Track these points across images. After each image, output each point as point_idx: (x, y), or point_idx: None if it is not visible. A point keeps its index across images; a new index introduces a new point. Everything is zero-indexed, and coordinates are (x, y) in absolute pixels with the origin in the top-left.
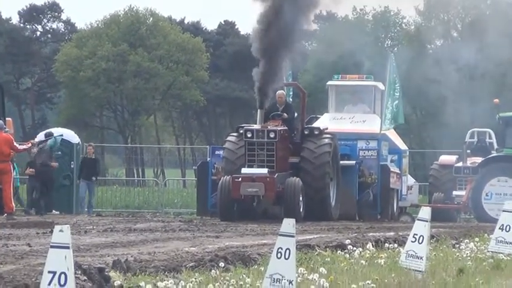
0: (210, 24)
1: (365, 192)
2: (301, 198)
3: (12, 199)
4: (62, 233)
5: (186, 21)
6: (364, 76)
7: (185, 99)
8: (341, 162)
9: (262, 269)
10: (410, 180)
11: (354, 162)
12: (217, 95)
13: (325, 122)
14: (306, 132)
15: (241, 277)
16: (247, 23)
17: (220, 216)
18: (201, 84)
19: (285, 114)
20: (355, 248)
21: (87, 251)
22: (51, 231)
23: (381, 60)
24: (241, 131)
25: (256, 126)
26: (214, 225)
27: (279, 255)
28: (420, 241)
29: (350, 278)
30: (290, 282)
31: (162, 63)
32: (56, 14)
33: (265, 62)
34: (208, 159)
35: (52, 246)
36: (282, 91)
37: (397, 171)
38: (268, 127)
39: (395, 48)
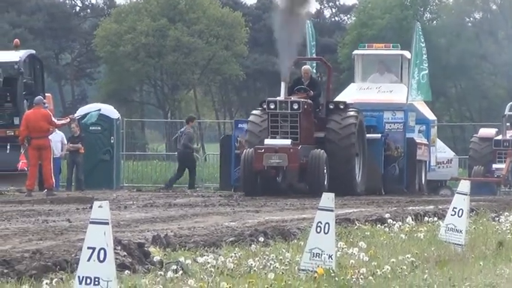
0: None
1: (391, 166)
2: (325, 171)
3: (52, 175)
4: (101, 209)
5: None
6: (390, 45)
7: (225, 74)
8: (367, 135)
9: (302, 243)
10: (449, 153)
11: (380, 135)
12: (256, 69)
13: (352, 92)
14: (331, 107)
15: (280, 252)
16: None
17: (243, 188)
18: (241, 58)
19: (311, 92)
20: (394, 222)
21: (127, 226)
22: (91, 207)
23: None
24: (265, 105)
25: (280, 98)
26: (254, 199)
27: (318, 229)
28: (460, 215)
29: (390, 252)
30: (330, 256)
31: (201, 38)
32: None
33: (281, 32)
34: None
35: (91, 222)
36: (308, 66)
37: (425, 142)
38: (292, 98)
39: (434, 22)
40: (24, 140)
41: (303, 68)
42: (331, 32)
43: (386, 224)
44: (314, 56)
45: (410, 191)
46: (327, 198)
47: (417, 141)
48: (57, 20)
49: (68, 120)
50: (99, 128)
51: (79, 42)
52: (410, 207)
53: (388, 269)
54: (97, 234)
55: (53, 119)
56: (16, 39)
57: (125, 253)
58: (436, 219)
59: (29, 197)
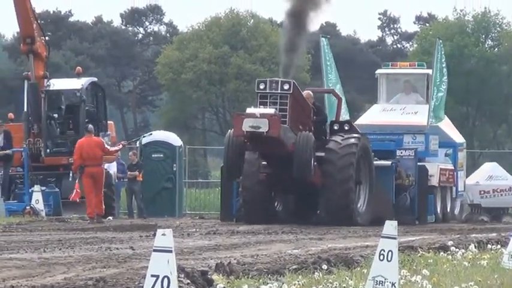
0: (311, 26)
1: (402, 195)
2: (313, 156)
3: (103, 202)
4: (164, 237)
5: None
6: (415, 64)
7: None
8: (376, 162)
9: (365, 271)
10: (511, 180)
11: (390, 162)
12: (318, 96)
13: (374, 113)
14: (335, 128)
15: (344, 279)
16: (349, 25)
17: (226, 173)
18: (303, 85)
19: (314, 117)
20: (457, 250)
21: (190, 254)
22: (154, 234)
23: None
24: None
25: (270, 78)
26: (318, 227)
27: (381, 257)
28: None
29: (453, 279)
30: (393, 284)
31: (263, 65)
32: (158, 16)
33: (285, 43)
34: None
35: (155, 250)
36: (308, 91)
37: (450, 167)
38: (282, 79)
39: (496, 49)
40: (77, 169)
41: (303, 93)
42: (392, 59)
43: (449, 252)
44: (329, 86)
45: (422, 222)
46: (390, 226)
47: (440, 166)
48: (119, 47)
49: (121, 146)
50: (162, 155)
51: (141, 69)
52: (473, 235)
53: None
54: (161, 262)
55: (106, 145)
56: (78, 67)
57: (189, 281)
58: (499, 246)
59: (92, 224)
